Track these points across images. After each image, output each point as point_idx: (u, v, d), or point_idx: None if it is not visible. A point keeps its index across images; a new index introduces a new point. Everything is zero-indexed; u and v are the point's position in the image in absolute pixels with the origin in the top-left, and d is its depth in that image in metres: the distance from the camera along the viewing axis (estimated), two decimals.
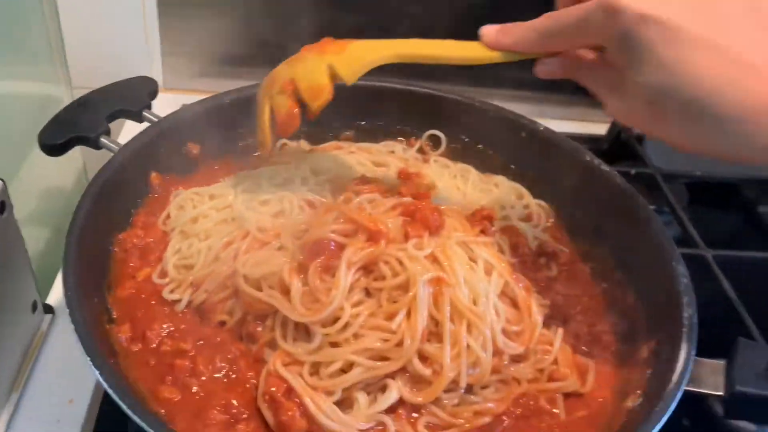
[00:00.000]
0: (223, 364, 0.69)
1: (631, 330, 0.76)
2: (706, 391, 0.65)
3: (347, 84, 0.71)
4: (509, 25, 0.66)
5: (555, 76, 0.67)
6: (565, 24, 0.61)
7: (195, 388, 0.67)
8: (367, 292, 0.69)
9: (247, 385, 0.68)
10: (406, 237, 0.71)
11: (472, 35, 0.69)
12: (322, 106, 0.72)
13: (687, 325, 0.67)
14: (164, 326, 0.72)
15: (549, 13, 0.62)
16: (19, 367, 0.76)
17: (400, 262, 0.68)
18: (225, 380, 0.68)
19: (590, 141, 1.21)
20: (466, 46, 0.69)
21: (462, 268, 0.70)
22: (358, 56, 0.71)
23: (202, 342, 0.71)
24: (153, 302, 0.75)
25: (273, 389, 0.65)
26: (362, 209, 0.75)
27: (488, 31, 0.67)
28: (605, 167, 0.86)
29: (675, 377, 0.62)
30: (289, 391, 0.65)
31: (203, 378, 0.68)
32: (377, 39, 0.72)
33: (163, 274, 0.77)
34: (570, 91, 1.30)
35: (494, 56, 0.67)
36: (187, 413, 0.65)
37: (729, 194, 1.25)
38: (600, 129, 1.30)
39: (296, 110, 0.73)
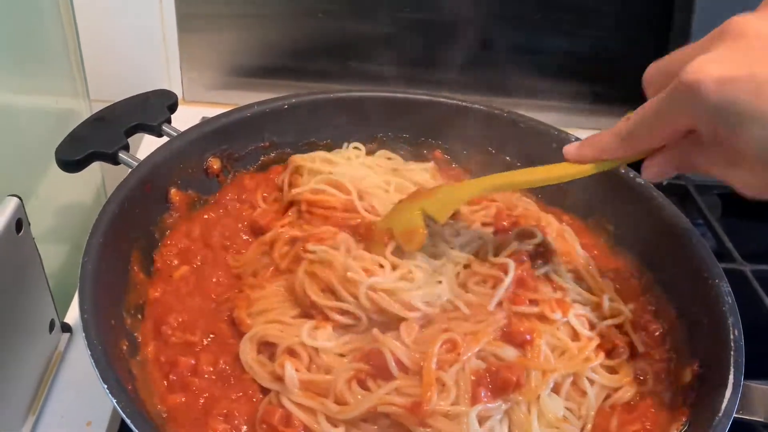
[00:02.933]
0: (226, 367, 0.68)
1: (673, 349, 0.73)
2: (756, 419, 0.62)
3: (439, 223, 0.74)
4: (590, 138, 0.65)
5: (666, 176, 0.63)
6: (645, 119, 0.59)
7: (196, 389, 0.66)
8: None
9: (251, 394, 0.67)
10: (474, 399, 0.63)
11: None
12: (418, 247, 0.74)
13: (734, 348, 0.64)
14: (180, 318, 0.72)
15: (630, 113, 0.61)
16: (36, 389, 0.74)
17: None
18: (229, 382, 0.67)
19: None
20: (554, 170, 0.69)
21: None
22: (447, 198, 0.75)
23: (213, 336, 0.71)
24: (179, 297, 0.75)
25: (270, 418, 0.63)
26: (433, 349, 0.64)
27: (569, 149, 0.67)
28: (640, 180, 0.83)
29: (724, 406, 0.59)
30: (287, 417, 0.63)
31: (205, 377, 0.67)
32: (469, 181, 0.78)
33: None
34: (597, 99, 1.28)
35: (587, 169, 0.66)
36: (188, 419, 0.64)
37: (764, 206, 1.19)
38: None
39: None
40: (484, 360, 0.65)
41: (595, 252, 0.86)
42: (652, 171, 0.63)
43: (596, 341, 0.70)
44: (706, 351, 0.67)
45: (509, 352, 0.66)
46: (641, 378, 0.71)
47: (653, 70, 0.61)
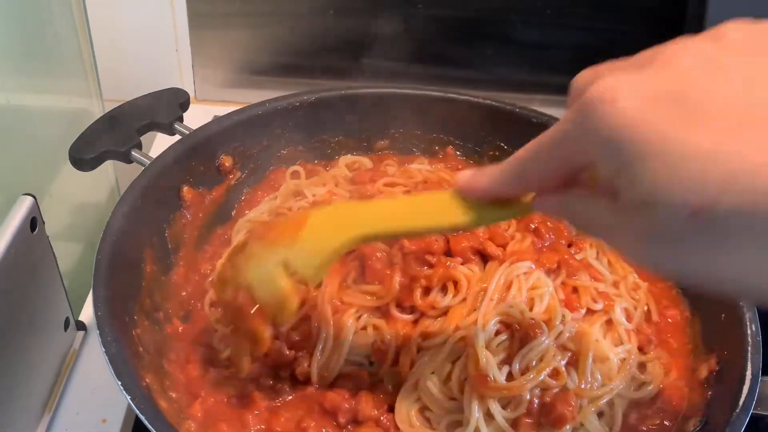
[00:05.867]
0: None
1: (691, 343, 0.72)
2: None
3: (311, 285, 0.55)
4: (486, 167, 0.48)
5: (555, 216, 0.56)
6: (539, 145, 0.42)
7: None
8: None
9: None
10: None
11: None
12: (290, 318, 0.57)
13: (751, 343, 0.63)
14: None
15: None
16: (51, 387, 0.75)
17: None
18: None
19: None
20: (440, 205, 0.50)
21: None
22: (316, 247, 0.54)
23: None
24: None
25: None
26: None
27: (462, 175, 0.50)
28: None
29: (741, 401, 0.58)
30: None
31: None
32: (336, 206, 0.61)
33: None
34: None
35: (471, 219, 0.49)
36: None
37: None
38: None
39: (268, 332, 0.57)
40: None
41: None
42: (543, 206, 0.47)
43: (636, 344, 0.68)
44: (723, 347, 0.66)
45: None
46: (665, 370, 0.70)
47: (585, 77, 0.42)
